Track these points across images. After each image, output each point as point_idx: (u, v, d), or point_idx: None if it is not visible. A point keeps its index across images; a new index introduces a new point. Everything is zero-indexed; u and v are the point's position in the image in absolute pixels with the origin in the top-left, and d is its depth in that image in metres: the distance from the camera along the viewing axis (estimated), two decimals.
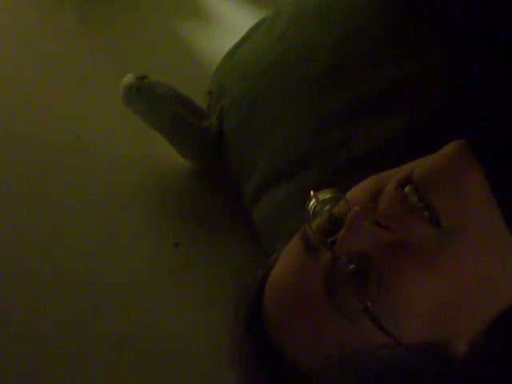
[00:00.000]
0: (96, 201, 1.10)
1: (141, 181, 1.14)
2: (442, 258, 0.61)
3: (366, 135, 0.88)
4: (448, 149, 0.65)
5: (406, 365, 0.63)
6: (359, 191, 0.68)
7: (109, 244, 1.05)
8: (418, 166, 0.65)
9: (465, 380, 0.63)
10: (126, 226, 1.07)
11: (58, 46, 1.32)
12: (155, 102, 1.11)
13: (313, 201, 0.68)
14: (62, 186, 1.10)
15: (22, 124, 1.17)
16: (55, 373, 0.90)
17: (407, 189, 0.63)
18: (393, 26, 0.92)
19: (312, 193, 0.68)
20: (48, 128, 1.17)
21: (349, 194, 0.68)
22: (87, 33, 1.36)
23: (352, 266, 0.63)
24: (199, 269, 1.04)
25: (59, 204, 1.08)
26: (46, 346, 0.93)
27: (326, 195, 0.68)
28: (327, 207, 0.67)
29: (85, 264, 1.02)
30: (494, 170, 0.63)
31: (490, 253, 0.62)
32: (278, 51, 1.02)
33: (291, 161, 0.96)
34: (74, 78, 1.27)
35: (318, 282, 0.64)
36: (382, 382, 0.64)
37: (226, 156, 1.08)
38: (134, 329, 0.96)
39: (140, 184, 1.13)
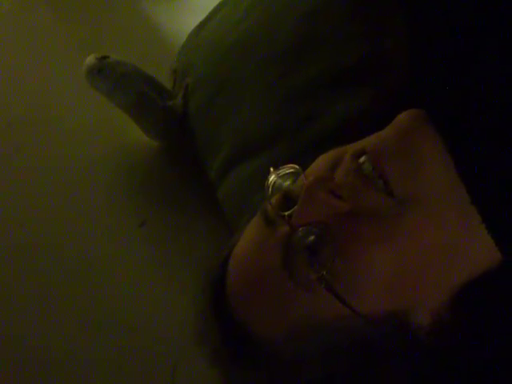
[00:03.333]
0: (59, 177, 1.09)
1: (105, 159, 1.13)
2: (397, 226, 0.62)
3: (332, 109, 0.89)
4: (400, 118, 0.66)
5: (367, 336, 0.63)
6: (317, 165, 0.69)
7: (72, 222, 1.04)
8: (373, 138, 0.66)
9: (430, 351, 0.64)
10: (89, 204, 1.06)
11: (23, 23, 1.31)
12: (118, 82, 1.10)
13: (273, 176, 0.69)
14: (26, 161, 1.09)
15: None
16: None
17: (362, 159, 0.64)
18: (360, 2, 0.92)
19: (272, 169, 0.69)
20: (13, 103, 1.16)
21: (308, 170, 0.69)
22: (54, 12, 1.35)
23: (311, 237, 0.63)
24: (166, 247, 1.04)
25: (22, 179, 1.07)
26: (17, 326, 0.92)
27: (286, 170, 0.69)
28: (287, 182, 0.68)
29: (48, 243, 1.01)
30: (455, 140, 0.64)
31: (449, 220, 0.63)
32: (244, 28, 1.02)
33: (258, 137, 0.96)
34: (39, 53, 1.25)
35: (276, 255, 0.64)
36: (343, 354, 0.64)
37: (191, 135, 1.08)
38: (102, 307, 0.95)
39: (104, 162, 1.12)
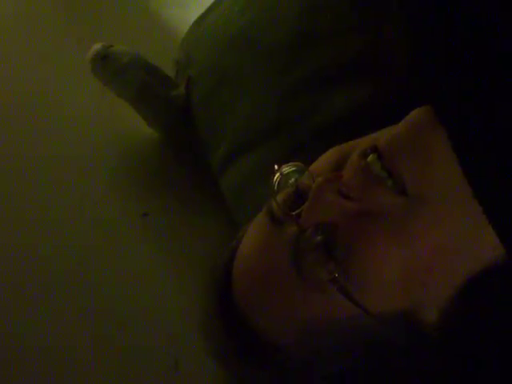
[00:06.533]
0: (60, 167, 1.07)
1: (107, 150, 1.12)
2: (408, 224, 0.62)
3: (333, 102, 0.88)
4: (411, 116, 0.65)
5: (378, 335, 0.63)
6: (323, 162, 0.68)
7: (72, 213, 1.03)
8: (382, 135, 0.65)
9: (439, 347, 0.64)
10: (91, 195, 1.05)
11: (24, 9, 1.31)
12: (122, 71, 1.10)
13: (277, 175, 0.68)
14: (26, 150, 1.08)
15: None
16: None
17: (370, 158, 0.63)
18: None
19: (276, 167, 0.68)
20: (13, 92, 1.16)
21: (313, 166, 0.69)
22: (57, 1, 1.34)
23: (319, 237, 0.63)
24: (168, 239, 1.03)
25: (20, 167, 1.06)
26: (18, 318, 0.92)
27: (290, 168, 0.68)
28: (292, 180, 0.68)
29: (47, 234, 1.00)
30: (459, 137, 0.63)
31: (457, 218, 0.62)
32: (244, 22, 1.02)
33: (257, 130, 0.96)
34: (41, 43, 1.25)
35: (285, 255, 0.64)
36: (354, 353, 0.64)
37: (193, 126, 1.08)
38: (103, 300, 0.95)
39: (106, 153, 1.12)
